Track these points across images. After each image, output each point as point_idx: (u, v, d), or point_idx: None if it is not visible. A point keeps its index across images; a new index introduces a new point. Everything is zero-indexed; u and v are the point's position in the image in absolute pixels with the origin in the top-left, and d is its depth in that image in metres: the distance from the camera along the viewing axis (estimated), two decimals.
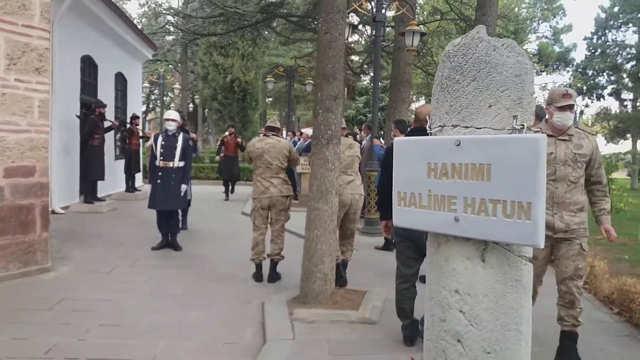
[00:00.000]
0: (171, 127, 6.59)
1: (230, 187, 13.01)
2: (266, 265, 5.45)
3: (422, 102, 27.60)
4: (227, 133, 12.86)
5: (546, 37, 34.14)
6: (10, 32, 4.89)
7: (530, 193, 1.44)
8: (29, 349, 3.44)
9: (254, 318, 4.27)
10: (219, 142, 13.55)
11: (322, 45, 4.48)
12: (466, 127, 1.65)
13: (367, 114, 19.20)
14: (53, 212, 8.72)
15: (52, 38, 8.10)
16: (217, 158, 13.23)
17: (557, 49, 33.68)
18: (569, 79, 33.74)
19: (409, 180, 1.76)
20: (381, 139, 11.48)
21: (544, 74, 33.75)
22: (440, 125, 1.74)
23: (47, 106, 5.28)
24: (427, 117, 3.92)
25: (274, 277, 5.41)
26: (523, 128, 1.53)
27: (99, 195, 10.31)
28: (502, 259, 1.58)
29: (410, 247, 3.74)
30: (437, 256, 1.74)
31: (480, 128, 1.63)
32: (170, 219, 6.77)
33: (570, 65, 33.78)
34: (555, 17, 34.03)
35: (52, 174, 8.46)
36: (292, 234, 7.65)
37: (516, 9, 27.78)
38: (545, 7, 33.54)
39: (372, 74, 8.87)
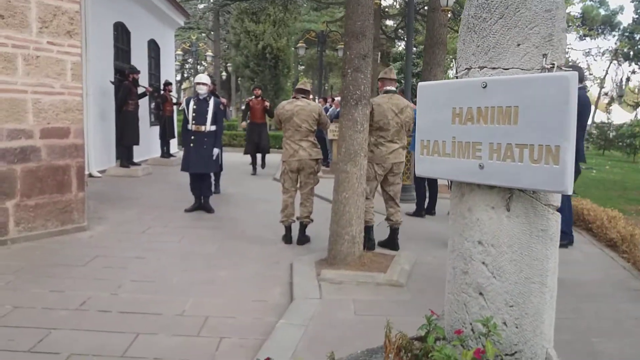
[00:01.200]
0: (202, 91, 6.62)
1: (258, 160, 11.38)
2: (295, 228, 5.47)
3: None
4: (252, 96, 11.21)
5: (591, 0, 32.39)
6: None
7: (559, 135, 1.35)
8: (64, 301, 3.58)
9: (282, 278, 4.31)
10: (244, 107, 11.90)
11: (351, 2, 4.34)
12: (493, 68, 1.56)
13: (401, 81, 18.80)
14: (90, 175, 9.00)
15: (84, 4, 8.19)
16: (243, 125, 11.79)
17: (602, 11, 31.95)
18: (615, 43, 32.12)
19: (433, 127, 1.69)
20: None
21: (588, 38, 32.18)
22: (466, 68, 1.64)
23: (79, 69, 5.35)
24: None
25: (303, 239, 5.43)
26: (553, 67, 1.42)
27: (135, 160, 10.54)
28: (528, 207, 1.50)
29: None
30: (460, 206, 1.67)
31: (508, 69, 1.53)
32: (203, 182, 6.87)
33: (617, 30, 32.07)
34: None
35: (89, 138, 8.70)
36: (321, 199, 7.66)
37: None
38: None
39: (406, 39, 8.62)
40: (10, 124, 4.83)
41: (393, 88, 5.21)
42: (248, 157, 11.14)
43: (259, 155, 11.21)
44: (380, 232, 5.46)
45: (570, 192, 1.39)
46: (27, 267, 4.29)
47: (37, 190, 5.08)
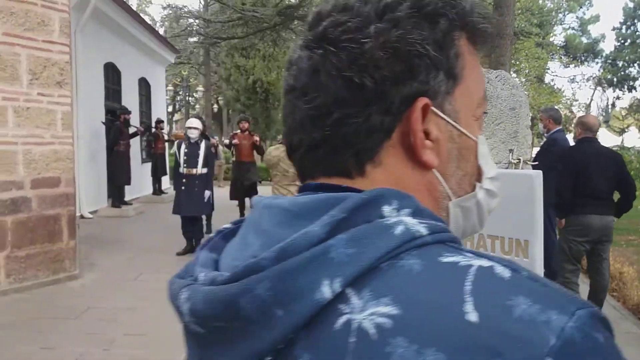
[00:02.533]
0: (193, 134, 6.75)
1: (246, 203, 9.10)
2: None
3: None
4: (237, 130, 9.39)
5: (573, 29, 33.31)
6: (32, 48, 5.07)
7: (527, 231, 1.43)
8: (56, 359, 3.57)
9: None
10: (227, 141, 9.99)
11: None
12: None
13: None
14: (82, 216, 8.99)
15: (74, 47, 8.34)
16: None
17: (584, 40, 32.83)
18: (598, 70, 32.91)
19: None
20: None
21: (571, 66, 32.93)
22: None
23: (69, 118, 5.44)
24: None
25: None
26: (519, 162, 1.52)
27: (127, 197, 10.58)
28: None
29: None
30: None
31: None
32: (194, 224, 6.91)
33: (599, 57, 32.93)
34: (581, 7, 33.15)
35: (80, 179, 8.71)
36: None
37: (540, 1, 27.13)
38: None
39: None
40: (1, 175, 4.88)
41: None
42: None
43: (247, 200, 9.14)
44: None
45: None
46: (18, 321, 4.27)
47: (28, 240, 5.10)
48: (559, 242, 4.45)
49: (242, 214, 8.90)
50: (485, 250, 1.54)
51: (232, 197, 9.12)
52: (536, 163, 1.45)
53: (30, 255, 5.11)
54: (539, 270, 1.43)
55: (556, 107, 25.69)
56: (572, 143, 5.15)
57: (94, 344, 3.84)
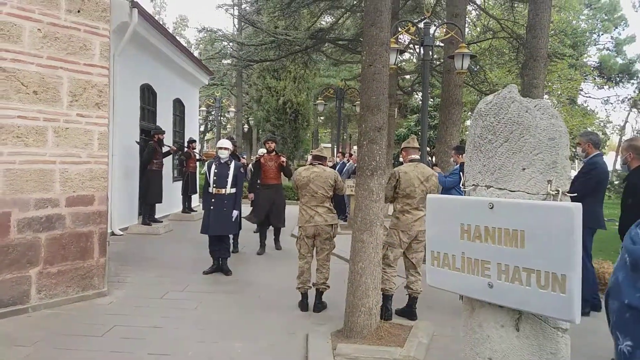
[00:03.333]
0: (224, 155, 6.82)
1: (268, 234, 8.57)
2: (312, 294, 5.44)
3: None
4: (262, 150, 8.74)
5: (608, 49, 32.64)
6: (73, 71, 5.23)
7: (564, 265, 1.36)
8: None
9: (298, 351, 4.26)
10: (251, 165, 9.27)
11: (366, 78, 4.49)
12: (500, 188, 1.59)
13: (419, 132, 19.00)
14: (112, 233, 9.16)
15: (112, 69, 8.60)
16: (251, 196, 8.75)
17: (619, 60, 32.13)
18: (634, 92, 32.09)
19: (443, 239, 1.72)
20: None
21: (605, 87, 32.22)
22: (474, 184, 1.68)
23: (106, 138, 5.57)
24: None
25: (320, 306, 5.39)
26: (558, 194, 1.45)
27: (158, 214, 10.74)
28: (537, 329, 1.49)
29: None
30: (471, 321, 1.67)
31: (514, 191, 1.56)
32: (222, 243, 6.94)
33: (635, 78, 32.14)
34: (616, 28, 32.52)
35: (113, 197, 8.90)
36: (339, 258, 7.63)
37: (574, 22, 26.76)
38: (606, 17, 32.13)
39: (422, 97, 8.80)
40: (38, 193, 5.01)
41: (417, 157, 5.33)
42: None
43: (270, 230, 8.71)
44: (398, 300, 5.38)
45: (577, 322, 1.39)
46: (47, 337, 4.33)
47: (60, 257, 5.20)
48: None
49: (262, 246, 8.44)
50: (520, 284, 1.47)
51: (256, 227, 8.75)
52: (575, 195, 1.38)
53: (62, 272, 5.20)
54: (577, 305, 1.35)
55: (589, 129, 25.09)
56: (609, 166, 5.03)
57: None
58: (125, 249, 8.27)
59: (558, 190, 1.46)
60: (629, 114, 36.73)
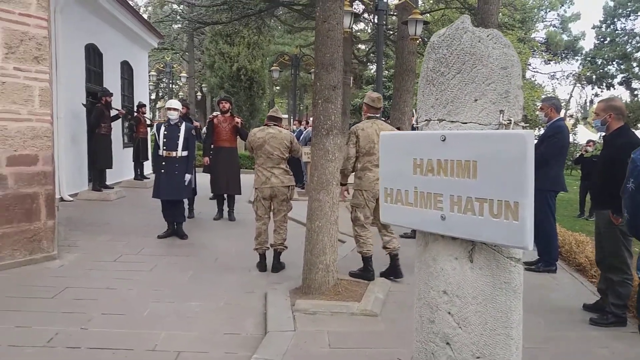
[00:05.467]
0: (173, 116, 6.60)
1: (227, 200, 8.35)
2: (270, 255, 5.46)
3: None
4: (215, 113, 8.34)
5: (554, 26, 33.67)
6: (7, 21, 4.89)
7: (517, 192, 1.41)
8: (31, 337, 3.49)
9: (256, 308, 4.29)
10: (205, 128, 8.77)
11: (320, 34, 4.43)
12: (452, 121, 1.62)
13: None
14: (62, 199, 8.82)
15: (54, 27, 8.14)
16: (205, 160, 8.37)
17: (565, 37, 33.26)
18: (578, 67, 33.39)
19: (396, 175, 1.74)
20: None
21: (552, 62, 33.34)
22: (426, 120, 1.70)
23: (48, 95, 5.28)
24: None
25: (278, 266, 5.42)
26: (510, 123, 1.49)
27: (108, 182, 10.40)
28: (490, 259, 1.55)
29: None
30: (425, 255, 1.72)
31: (466, 123, 1.59)
32: (176, 208, 6.80)
33: (579, 54, 33.42)
34: (563, 5, 33.52)
35: (60, 161, 8.55)
36: (297, 222, 7.67)
37: None
38: None
39: (376, 64, 8.80)
40: None
41: (377, 115, 5.24)
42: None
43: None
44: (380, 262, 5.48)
45: (530, 249, 1.45)
46: None
47: (4, 219, 4.97)
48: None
49: (219, 211, 8.36)
50: (473, 214, 1.51)
51: (213, 193, 8.42)
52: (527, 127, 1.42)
53: (7, 234, 4.98)
54: (530, 232, 1.41)
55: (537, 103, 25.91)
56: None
57: (71, 323, 3.76)
58: (75, 215, 7.99)
59: (510, 120, 1.50)
60: (573, 88, 38.23)
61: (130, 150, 12.29)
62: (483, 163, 1.48)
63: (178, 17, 23.60)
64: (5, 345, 3.36)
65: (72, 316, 3.90)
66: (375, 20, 8.49)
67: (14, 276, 4.81)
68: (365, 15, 16.54)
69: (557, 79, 39.88)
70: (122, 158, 12.11)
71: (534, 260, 5.59)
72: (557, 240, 5.71)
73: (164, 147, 6.53)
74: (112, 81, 11.76)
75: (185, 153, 6.60)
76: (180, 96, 32.66)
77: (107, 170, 10.18)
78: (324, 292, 4.47)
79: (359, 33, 21.58)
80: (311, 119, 15.13)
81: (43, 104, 5.25)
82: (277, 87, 33.13)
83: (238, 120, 8.03)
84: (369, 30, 21.90)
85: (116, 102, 11.27)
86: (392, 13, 13.56)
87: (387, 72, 22.24)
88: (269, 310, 4.14)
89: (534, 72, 34.62)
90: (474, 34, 1.56)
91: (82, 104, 9.99)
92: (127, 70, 13.42)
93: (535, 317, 4.05)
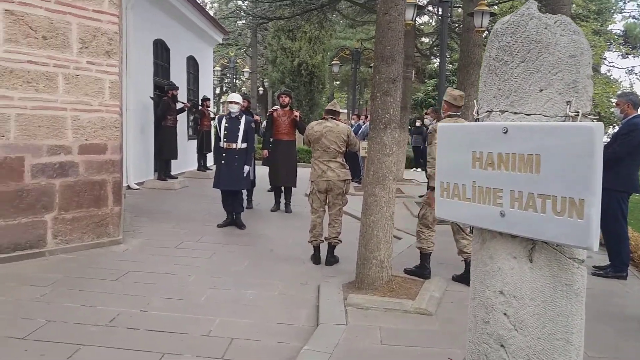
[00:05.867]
0: (234, 109, 6.76)
1: (284, 193, 8.44)
2: (324, 248, 5.46)
3: None
4: (275, 107, 8.46)
5: (634, 17, 31.36)
6: (82, 17, 5.16)
7: (583, 188, 1.30)
8: (95, 316, 3.67)
9: (309, 300, 4.30)
10: (265, 122, 8.73)
11: (381, 26, 4.35)
12: (515, 112, 1.52)
13: (437, 97, 18.69)
14: (129, 187, 9.26)
15: (125, 23, 8.50)
16: (265, 153, 8.53)
17: None
18: None
19: (453, 169, 1.66)
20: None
21: (630, 56, 31.17)
22: (487, 111, 1.61)
23: (117, 87, 5.54)
24: None
25: (332, 260, 5.42)
26: (577, 115, 1.38)
27: (173, 171, 10.82)
28: (551, 260, 1.44)
29: None
30: (481, 253, 1.63)
31: (530, 114, 1.49)
32: (235, 198, 6.96)
33: None
34: None
35: (129, 151, 8.96)
36: (352, 217, 7.63)
37: None
38: None
39: (439, 57, 8.56)
40: (51, 140, 5.03)
41: (458, 113, 4.93)
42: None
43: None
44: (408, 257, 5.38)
45: (595, 249, 1.33)
46: (62, 279, 4.43)
47: (75, 204, 5.26)
48: None
49: (276, 203, 8.50)
50: (534, 211, 1.42)
51: (272, 185, 8.48)
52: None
53: (77, 218, 5.28)
54: (595, 232, 1.30)
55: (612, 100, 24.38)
56: None
57: (131, 305, 3.93)
58: (140, 202, 8.36)
59: (578, 112, 1.39)
60: None
61: (194, 142, 12.71)
62: (547, 157, 1.38)
63: (242, 13, 24.09)
64: (72, 322, 3.56)
65: (133, 298, 4.08)
66: (440, 12, 8.24)
67: (82, 258, 5.10)
68: (430, 8, 16.17)
69: (636, 73, 37.29)
70: (187, 149, 12.55)
71: (604, 265, 5.26)
72: (629, 245, 5.34)
73: (225, 139, 6.70)
74: (178, 75, 12.20)
75: (244, 145, 6.75)
76: (242, 90, 33.42)
77: (172, 160, 10.60)
78: (377, 287, 4.42)
79: (422, 26, 21.15)
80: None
81: (113, 96, 5.51)
82: (337, 82, 33.15)
83: (297, 114, 8.12)
84: (433, 23, 21.41)
85: (182, 95, 11.68)
86: (457, 5, 13.18)
87: (450, 65, 21.69)
88: (321, 303, 4.14)
89: (610, 66, 32.58)
90: (540, 21, 1.45)
91: (150, 97, 10.43)
92: (192, 65, 13.86)
93: (602, 325, 3.81)
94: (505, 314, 1.52)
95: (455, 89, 6.05)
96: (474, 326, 1.64)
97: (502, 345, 1.52)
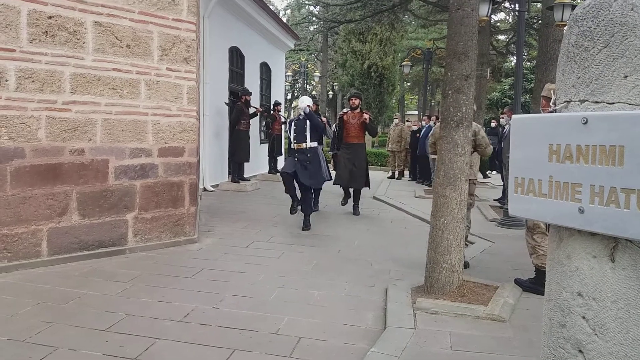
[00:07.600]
0: (302, 110, 6.99)
1: (352, 195, 8.41)
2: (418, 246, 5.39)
3: None
4: (345, 109, 8.34)
5: None
6: (162, 26, 5.44)
7: None
8: (170, 312, 3.84)
9: (376, 302, 4.25)
10: (335, 125, 8.76)
11: (454, 22, 4.23)
12: (596, 102, 1.40)
13: (513, 97, 17.91)
14: (204, 189, 9.65)
15: (202, 30, 8.88)
16: (334, 156, 8.68)
17: None
18: None
19: (528, 163, 1.56)
20: None
21: None
22: (565, 101, 1.50)
23: (194, 93, 5.78)
24: None
25: None
26: None
27: (245, 175, 11.16)
28: (636, 260, 1.31)
29: None
30: (558, 252, 1.52)
31: (612, 103, 1.37)
32: (304, 197, 7.00)
33: None
34: None
35: (205, 155, 9.35)
36: (420, 220, 7.48)
37: None
38: None
39: (516, 55, 8.20)
40: (133, 143, 5.34)
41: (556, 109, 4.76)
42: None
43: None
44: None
45: None
46: (141, 276, 4.67)
47: (154, 204, 5.55)
48: None
49: (345, 199, 8.50)
50: (617, 207, 1.30)
51: (335, 182, 8.24)
52: None
53: (155, 218, 5.56)
54: None
55: None
56: None
57: (204, 301, 4.07)
58: (215, 203, 8.69)
59: None
60: None
61: (266, 146, 13.03)
62: (631, 148, 1.26)
63: (314, 18, 24.43)
64: (148, 316, 3.74)
65: (207, 295, 4.22)
66: (516, 6, 7.90)
67: (160, 256, 5.36)
68: (507, 4, 15.55)
69: None
70: (259, 153, 12.90)
71: None
72: None
73: (295, 140, 6.95)
74: (252, 81, 12.56)
75: (314, 144, 6.93)
76: (312, 94, 33.90)
77: (244, 163, 10.93)
78: (447, 292, 4.28)
79: (498, 23, 20.39)
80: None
81: (190, 101, 5.76)
82: (408, 83, 32.69)
83: (366, 115, 7.96)
84: (510, 20, 20.57)
85: (255, 100, 12.02)
86: (535, 0, 12.57)
87: (528, 63, 20.72)
88: (389, 306, 4.08)
89: None
90: (625, 2, 1.33)
91: (225, 103, 10.83)
92: (265, 71, 14.23)
93: None
94: (583, 317, 1.41)
95: (515, 83, 5.76)
96: (549, 330, 1.53)
97: (580, 351, 1.41)
